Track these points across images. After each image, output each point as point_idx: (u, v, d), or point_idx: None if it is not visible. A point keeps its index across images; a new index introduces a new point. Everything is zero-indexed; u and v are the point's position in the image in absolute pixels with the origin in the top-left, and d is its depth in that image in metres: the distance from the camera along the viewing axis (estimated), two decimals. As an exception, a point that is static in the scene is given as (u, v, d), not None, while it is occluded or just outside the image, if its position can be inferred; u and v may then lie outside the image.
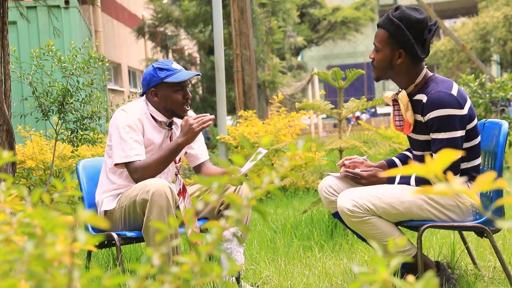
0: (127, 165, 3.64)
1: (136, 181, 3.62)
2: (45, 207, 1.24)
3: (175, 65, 3.79)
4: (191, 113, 4.04)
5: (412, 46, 3.26)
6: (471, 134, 3.29)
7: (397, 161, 3.66)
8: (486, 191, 3.43)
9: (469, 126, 3.27)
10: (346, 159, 3.64)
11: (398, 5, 3.34)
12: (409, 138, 3.47)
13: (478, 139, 3.33)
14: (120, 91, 17.19)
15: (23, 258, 1.15)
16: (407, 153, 3.69)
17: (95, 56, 5.75)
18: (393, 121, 3.48)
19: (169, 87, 3.74)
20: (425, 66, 3.38)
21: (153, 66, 3.79)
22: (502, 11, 25.81)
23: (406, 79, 3.34)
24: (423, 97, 3.26)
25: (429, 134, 3.28)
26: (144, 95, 3.84)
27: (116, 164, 3.67)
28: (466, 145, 3.28)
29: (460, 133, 3.20)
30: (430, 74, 3.37)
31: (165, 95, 3.74)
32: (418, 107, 3.30)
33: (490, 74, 11.09)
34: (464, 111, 3.21)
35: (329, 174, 3.70)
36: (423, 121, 3.28)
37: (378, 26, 3.36)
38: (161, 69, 3.75)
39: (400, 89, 3.43)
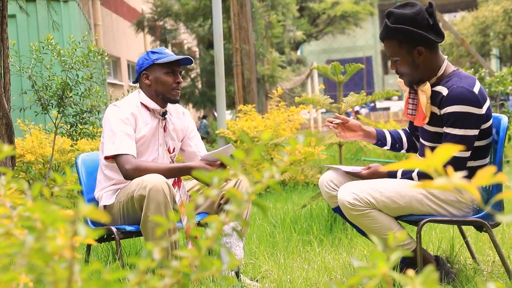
0: (116, 157, 3.63)
1: (125, 174, 3.61)
2: (45, 201, 1.25)
3: (168, 51, 3.87)
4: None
5: (426, 38, 3.20)
6: (485, 134, 3.26)
7: (387, 135, 3.63)
8: (485, 185, 3.43)
9: (485, 126, 3.24)
10: (335, 117, 3.62)
11: (388, 10, 3.27)
12: (420, 127, 3.44)
13: (490, 139, 3.31)
14: (119, 85, 17.18)
15: (23, 251, 1.15)
16: (402, 133, 3.67)
17: (94, 50, 5.74)
18: (405, 108, 3.43)
19: (160, 69, 3.79)
20: (446, 58, 3.33)
21: (147, 52, 3.88)
22: (501, 5, 25.80)
23: (431, 71, 3.28)
24: (443, 90, 3.21)
25: (441, 127, 3.25)
26: (138, 83, 3.87)
27: (106, 158, 3.67)
28: (478, 143, 3.25)
29: (473, 132, 3.16)
30: (454, 68, 3.32)
31: (156, 77, 3.79)
32: (435, 99, 3.25)
33: (489, 68, 11.09)
34: (482, 110, 3.17)
35: (329, 167, 3.70)
36: (438, 113, 3.24)
37: (383, 39, 3.30)
38: (154, 52, 3.84)
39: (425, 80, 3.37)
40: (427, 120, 3.29)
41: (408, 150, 3.70)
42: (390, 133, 3.66)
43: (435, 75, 3.29)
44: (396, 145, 3.65)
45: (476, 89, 3.17)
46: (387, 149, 3.70)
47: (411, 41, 3.22)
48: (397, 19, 3.21)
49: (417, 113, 3.34)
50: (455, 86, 3.16)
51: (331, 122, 3.60)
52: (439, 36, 3.24)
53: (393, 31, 3.23)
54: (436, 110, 3.26)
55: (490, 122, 3.27)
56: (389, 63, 3.50)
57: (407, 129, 3.70)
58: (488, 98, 3.26)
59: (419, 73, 3.29)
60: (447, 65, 3.31)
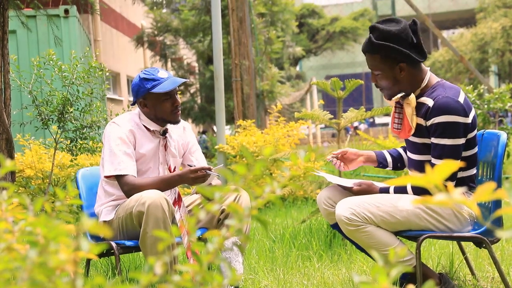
0: (116, 177, 3.65)
1: (125, 194, 3.63)
2: (47, 216, 1.25)
3: (161, 73, 3.75)
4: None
5: (408, 56, 3.24)
6: (471, 144, 3.29)
7: (387, 156, 3.64)
8: (485, 202, 3.44)
9: (470, 135, 3.27)
10: (332, 155, 3.63)
11: (373, 25, 3.29)
12: (406, 140, 3.46)
13: (476, 149, 3.34)
14: (119, 100, 17.20)
15: (25, 266, 1.16)
16: (401, 151, 3.68)
17: (95, 66, 5.76)
18: (391, 123, 3.46)
19: (156, 96, 3.73)
20: (429, 69, 3.36)
21: (139, 76, 3.75)
22: (500, 22, 25.93)
23: (413, 85, 3.31)
24: (428, 101, 3.23)
25: (428, 138, 3.27)
26: (136, 104, 3.85)
27: (106, 177, 3.67)
28: (464, 154, 3.28)
29: (462, 141, 3.20)
30: (438, 79, 3.35)
31: (153, 104, 3.74)
32: (421, 110, 3.27)
33: (488, 85, 11.12)
34: (469, 119, 3.21)
35: (321, 176, 3.68)
36: (424, 124, 3.26)
37: (365, 52, 3.32)
38: (146, 79, 3.72)
39: (403, 93, 3.40)
40: (412, 131, 3.31)
41: None
42: (390, 153, 3.67)
43: (418, 87, 3.32)
44: (398, 164, 3.66)
45: (461, 99, 3.21)
46: (390, 170, 3.71)
47: (394, 57, 3.25)
48: (381, 35, 3.23)
49: (403, 126, 3.36)
50: (440, 97, 3.19)
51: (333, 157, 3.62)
52: (422, 54, 3.27)
53: (377, 47, 3.25)
54: (422, 121, 3.28)
55: (475, 131, 3.30)
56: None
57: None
58: (473, 107, 3.29)
59: (398, 87, 3.33)
60: (430, 76, 3.34)
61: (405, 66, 3.26)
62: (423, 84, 3.31)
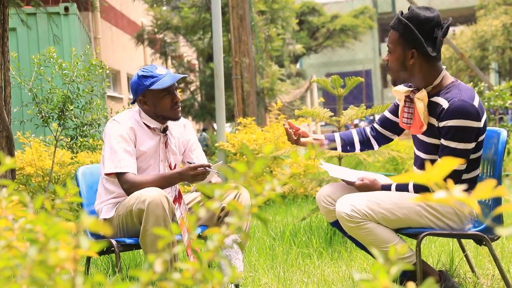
0: (117, 175, 3.65)
1: (125, 191, 3.63)
2: (47, 213, 1.25)
3: (160, 70, 3.76)
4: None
5: (421, 44, 3.20)
6: (479, 146, 3.26)
7: (337, 139, 3.66)
8: (485, 199, 3.44)
9: (480, 138, 3.23)
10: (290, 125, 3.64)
11: (410, 6, 3.32)
12: (414, 137, 3.45)
13: (482, 151, 3.32)
14: (119, 98, 17.19)
15: (25, 263, 1.16)
16: (355, 134, 3.70)
17: (95, 64, 5.76)
18: (400, 117, 3.44)
19: (156, 93, 3.73)
20: (444, 68, 3.32)
21: (137, 74, 3.77)
22: (500, 20, 25.92)
23: (422, 79, 3.28)
24: (443, 102, 3.19)
25: (438, 139, 3.25)
26: (136, 103, 3.85)
27: (107, 174, 3.68)
28: (471, 156, 3.26)
29: (472, 145, 3.17)
30: (453, 79, 3.30)
31: (153, 102, 3.74)
32: (434, 110, 3.23)
33: (488, 82, 11.11)
34: (481, 124, 3.17)
35: (331, 175, 3.67)
36: (436, 125, 3.23)
37: (390, 27, 3.33)
38: (145, 76, 3.73)
39: (414, 87, 3.36)
40: (424, 128, 3.28)
41: (362, 150, 3.73)
42: (340, 136, 3.69)
43: (430, 84, 3.28)
44: (347, 147, 3.68)
45: (476, 102, 3.17)
46: (340, 151, 3.73)
47: (409, 41, 3.23)
48: (409, 15, 3.24)
49: (413, 122, 3.34)
50: (456, 99, 3.14)
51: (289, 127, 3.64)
52: (435, 50, 3.24)
53: (399, 23, 3.25)
54: (434, 121, 3.24)
55: (485, 134, 3.27)
56: (388, 76, 3.51)
57: (364, 128, 3.72)
58: (484, 110, 3.27)
59: (405, 75, 3.30)
60: (444, 76, 3.30)
61: (416, 54, 3.23)
62: (436, 82, 3.27)
